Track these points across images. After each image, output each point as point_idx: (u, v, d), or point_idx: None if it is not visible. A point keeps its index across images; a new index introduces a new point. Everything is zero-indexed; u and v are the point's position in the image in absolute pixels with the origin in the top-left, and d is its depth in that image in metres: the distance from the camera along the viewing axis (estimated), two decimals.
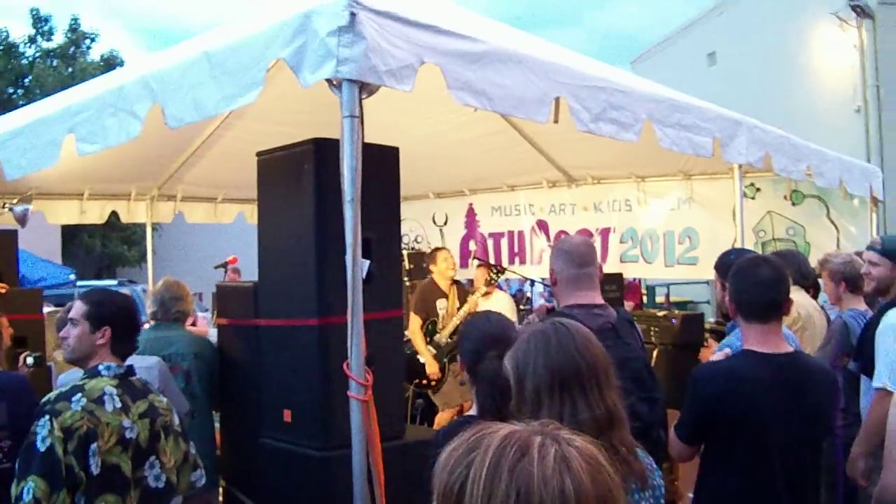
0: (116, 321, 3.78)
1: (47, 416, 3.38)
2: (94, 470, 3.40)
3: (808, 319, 5.92)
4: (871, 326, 5.02)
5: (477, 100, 3.96)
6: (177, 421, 3.87)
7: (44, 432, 3.33)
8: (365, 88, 3.61)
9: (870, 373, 4.84)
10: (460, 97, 3.88)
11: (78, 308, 3.78)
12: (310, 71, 3.54)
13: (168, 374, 5.02)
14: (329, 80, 3.56)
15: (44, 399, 3.51)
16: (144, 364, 4.94)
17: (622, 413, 2.62)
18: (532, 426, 1.52)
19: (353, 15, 3.41)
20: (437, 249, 9.56)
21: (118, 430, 3.52)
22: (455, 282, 9.25)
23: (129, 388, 3.71)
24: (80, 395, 3.49)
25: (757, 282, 3.65)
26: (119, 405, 3.58)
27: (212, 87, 3.95)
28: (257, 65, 3.76)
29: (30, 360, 6.19)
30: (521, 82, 4.21)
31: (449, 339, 8.70)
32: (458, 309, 8.81)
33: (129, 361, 4.70)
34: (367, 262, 3.76)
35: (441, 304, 8.93)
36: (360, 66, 3.44)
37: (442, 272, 9.05)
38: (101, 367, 3.68)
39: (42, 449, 3.30)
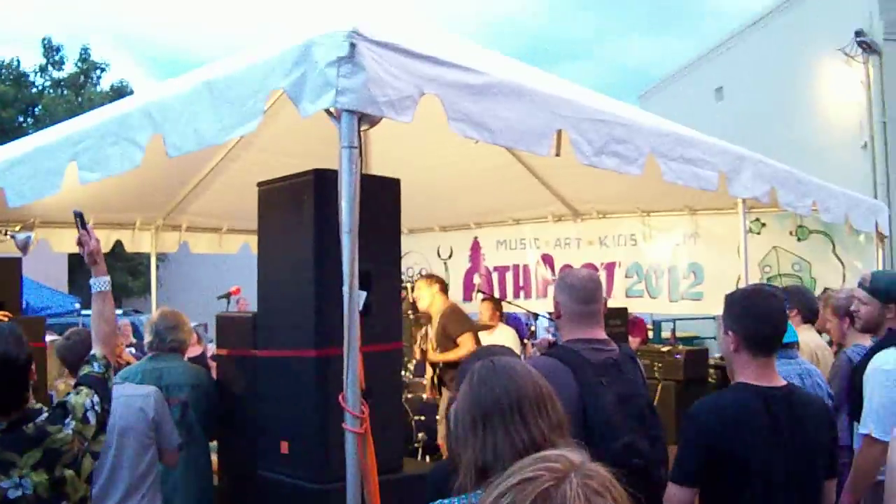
0: None
1: None
2: None
3: (822, 359, 5.90)
4: (859, 370, 4.94)
5: (477, 132, 3.94)
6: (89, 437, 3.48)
7: None
8: (365, 119, 3.59)
9: (857, 417, 4.77)
10: (460, 129, 3.86)
11: None
12: (309, 101, 3.53)
13: (164, 404, 4.98)
14: (328, 111, 3.54)
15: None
16: (141, 392, 4.92)
17: (557, 444, 2.52)
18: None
19: (352, 46, 3.40)
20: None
21: None
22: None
23: (13, 443, 3.22)
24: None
25: (766, 316, 3.59)
26: None
27: (212, 116, 3.95)
28: (257, 95, 3.75)
29: None
30: (523, 115, 4.19)
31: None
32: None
33: (125, 391, 4.67)
34: (364, 294, 3.73)
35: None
36: (360, 97, 3.43)
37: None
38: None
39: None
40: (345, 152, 3.51)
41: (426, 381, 9.35)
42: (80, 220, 3.94)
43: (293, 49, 3.61)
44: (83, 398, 3.47)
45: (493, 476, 2.49)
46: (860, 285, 5.37)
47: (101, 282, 3.85)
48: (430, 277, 9.10)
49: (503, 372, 2.62)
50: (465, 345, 8.31)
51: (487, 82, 4.04)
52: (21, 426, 3.26)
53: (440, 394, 8.90)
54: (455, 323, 8.53)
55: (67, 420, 3.36)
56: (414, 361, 9.56)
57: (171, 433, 4.94)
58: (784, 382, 3.63)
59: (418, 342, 9.04)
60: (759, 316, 3.58)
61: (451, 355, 8.35)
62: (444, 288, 9.07)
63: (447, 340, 8.45)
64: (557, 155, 4.50)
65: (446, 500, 2.50)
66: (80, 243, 3.93)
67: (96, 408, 3.48)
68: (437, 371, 8.81)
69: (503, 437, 2.49)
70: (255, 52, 4.27)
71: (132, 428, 4.68)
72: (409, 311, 9.89)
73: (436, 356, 8.62)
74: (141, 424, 4.73)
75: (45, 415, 3.34)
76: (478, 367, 2.68)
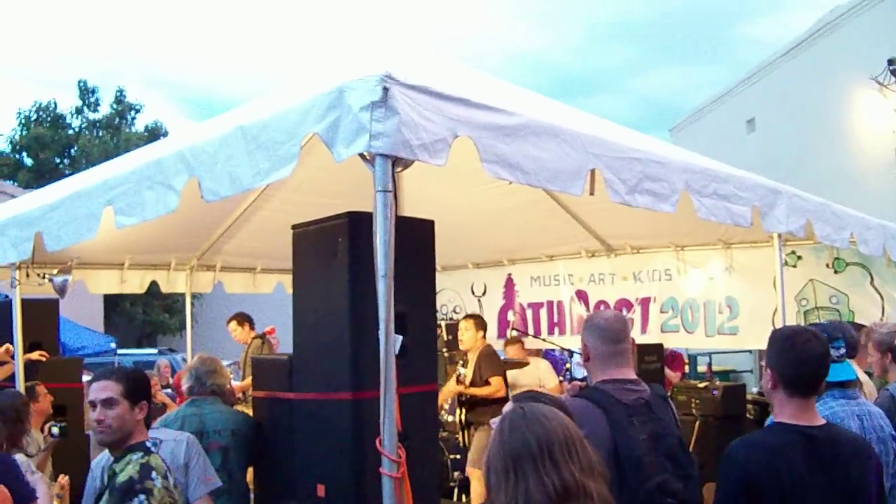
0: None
1: (143, 496, 3.46)
2: None
3: (869, 395, 5.84)
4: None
5: (511, 173, 3.94)
6: None
7: None
8: (399, 162, 3.60)
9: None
10: (494, 171, 3.85)
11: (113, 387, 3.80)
12: (343, 146, 3.54)
13: (197, 448, 4.97)
14: (362, 155, 3.56)
15: (123, 479, 3.54)
16: (177, 437, 4.93)
17: (589, 487, 2.54)
18: None
19: (385, 90, 3.41)
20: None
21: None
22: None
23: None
24: (154, 472, 3.58)
25: (807, 357, 3.55)
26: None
27: (246, 161, 3.97)
28: (291, 140, 3.76)
29: (55, 430, 6.21)
30: (556, 155, 4.18)
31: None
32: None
33: (161, 436, 4.70)
34: (400, 338, 3.72)
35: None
36: (393, 141, 3.43)
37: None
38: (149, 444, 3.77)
39: None
40: (379, 196, 3.51)
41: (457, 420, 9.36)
42: None
43: (326, 94, 3.62)
44: None
45: None
46: None
47: None
48: (476, 319, 9.18)
49: (533, 417, 2.62)
50: (496, 384, 8.52)
51: (520, 123, 4.04)
52: None
53: (464, 432, 9.00)
54: (489, 365, 8.70)
55: None
56: (448, 400, 9.54)
57: (203, 474, 4.92)
58: (823, 422, 3.58)
59: (453, 379, 9.02)
60: (798, 358, 3.54)
61: (483, 391, 8.52)
62: (484, 328, 9.16)
63: (480, 381, 8.62)
64: (591, 194, 4.49)
65: None
66: None
67: None
68: (465, 410, 8.90)
69: (534, 481, 2.50)
70: (288, 95, 4.30)
71: None
72: (444, 349, 9.89)
73: (467, 389, 8.69)
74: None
75: None
76: (508, 413, 2.69)
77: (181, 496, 4.68)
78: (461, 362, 9.03)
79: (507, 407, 2.88)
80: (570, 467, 2.54)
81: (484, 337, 9.04)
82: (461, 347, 9.11)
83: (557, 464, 2.54)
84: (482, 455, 7.89)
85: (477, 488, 8.25)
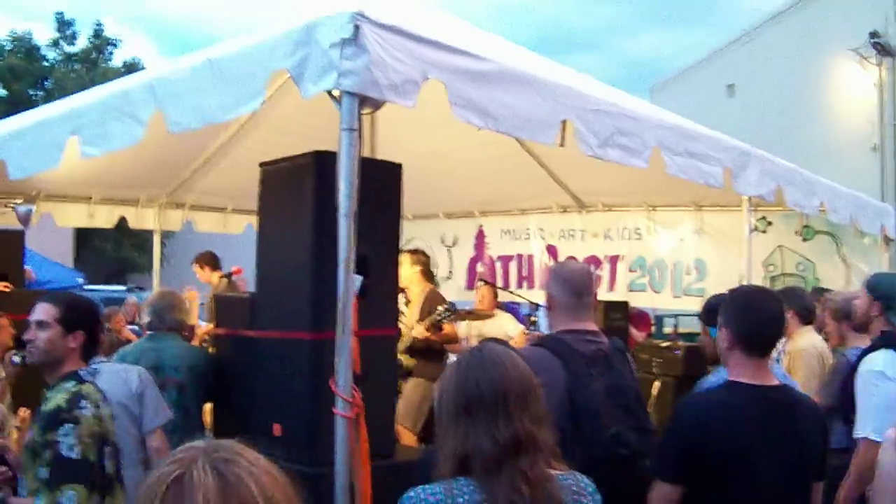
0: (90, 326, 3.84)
1: (70, 425, 3.39)
2: (109, 470, 3.50)
3: (829, 362, 5.94)
4: (851, 373, 4.94)
5: (480, 119, 3.91)
6: None
7: (69, 440, 3.35)
8: (367, 103, 3.57)
9: (850, 421, 4.78)
10: (463, 115, 3.83)
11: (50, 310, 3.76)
12: (311, 82, 3.51)
13: (149, 379, 4.95)
14: (330, 93, 3.52)
15: (50, 407, 3.49)
16: (127, 368, 4.94)
17: (540, 439, 2.55)
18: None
19: (356, 28, 3.38)
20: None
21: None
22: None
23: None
24: (84, 401, 3.51)
25: (766, 317, 3.57)
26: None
27: (213, 94, 3.94)
28: (259, 74, 3.74)
29: (15, 359, 6.18)
30: (527, 103, 4.15)
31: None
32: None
33: (114, 370, 4.68)
34: (360, 278, 3.71)
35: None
36: (362, 80, 3.40)
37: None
38: (83, 372, 3.72)
39: (74, 456, 3.33)
40: (344, 135, 3.49)
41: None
42: None
43: (296, 30, 3.59)
44: None
45: (473, 465, 2.49)
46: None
47: None
48: (413, 255, 8.54)
49: (490, 361, 2.61)
50: (449, 330, 8.23)
51: (492, 69, 4.01)
52: None
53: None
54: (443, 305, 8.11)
55: None
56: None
57: (157, 409, 4.91)
58: (778, 382, 3.60)
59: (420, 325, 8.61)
60: (757, 317, 3.56)
61: (440, 337, 8.15)
62: (427, 271, 8.63)
63: (432, 326, 8.03)
64: (562, 145, 4.47)
65: (428, 487, 2.50)
66: None
67: None
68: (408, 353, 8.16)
69: (484, 430, 2.50)
70: (260, 32, 4.25)
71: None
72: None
73: (433, 334, 8.08)
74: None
75: None
76: (466, 355, 2.68)
77: (134, 426, 4.71)
78: (405, 301, 8.42)
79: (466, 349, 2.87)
80: (521, 418, 2.54)
81: (424, 275, 8.50)
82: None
83: (510, 414, 2.53)
84: (410, 412, 7.81)
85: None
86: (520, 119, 4.13)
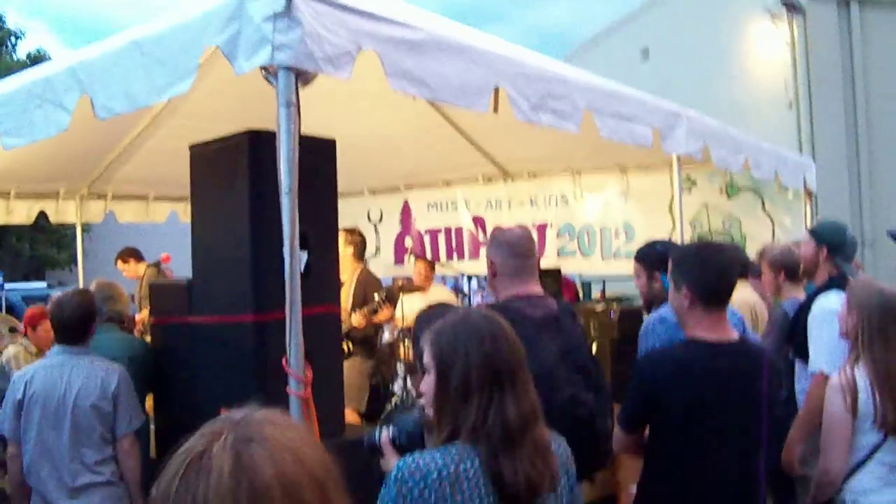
0: None
1: None
2: None
3: (760, 314, 6.05)
4: (802, 312, 5.09)
5: (416, 88, 3.88)
6: None
7: None
8: (301, 77, 3.51)
9: (805, 357, 4.90)
10: (399, 85, 3.79)
11: None
12: (245, 58, 3.43)
13: (129, 383, 4.91)
14: (264, 69, 3.45)
15: None
16: (110, 367, 4.93)
17: (539, 407, 2.55)
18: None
19: (289, 1, 3.31)
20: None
21: None
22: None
23: None
24: None
25: (723, 268, 3.61)
26: None
27: (143, 76, 3.83)
28: (190, 53, 3.64)
29: None
30: (461, 71, 4.13)
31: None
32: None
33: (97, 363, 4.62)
34: (305, 254, 3.66)
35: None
36: (297, 53, 3.34)
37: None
38: None
39: None
40: (283, 111, 3.43)
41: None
42: None
43: (226, 4, 3.49)
44: None
45: (491, 435, 2.43)
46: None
47: None
48: (352, 234, 8.40)
49: (510, 332, 2.60)
50: (387, 313, 8.20)
51: (425, 38, 3.98)
52: None
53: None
54: (377, 290, 8.09)
55: None
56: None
57: (135, 415, 4.93)
58: (736, 336, 3.65)
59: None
60: (715, 269, 3.60)
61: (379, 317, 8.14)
62: (359, 252, 8.48)
63: (370, 313, 7.91)
64: (496, 111, 4.46)
65: (427, 454, 2.46)
66: None
67: None
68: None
69: (511, 400, 2.46)
70: (186, 9, 4.15)
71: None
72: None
73: (361, 322, 7.89)
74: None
75: None
76: (484, 322, 2.60)
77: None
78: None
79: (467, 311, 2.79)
80: (531, 388, 2.54)
81: (356, 256, 8.36)
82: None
83: (526, 384, 2.52)
84: (352, 391, 7.71)
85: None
86: (454, 87, 4.10)
